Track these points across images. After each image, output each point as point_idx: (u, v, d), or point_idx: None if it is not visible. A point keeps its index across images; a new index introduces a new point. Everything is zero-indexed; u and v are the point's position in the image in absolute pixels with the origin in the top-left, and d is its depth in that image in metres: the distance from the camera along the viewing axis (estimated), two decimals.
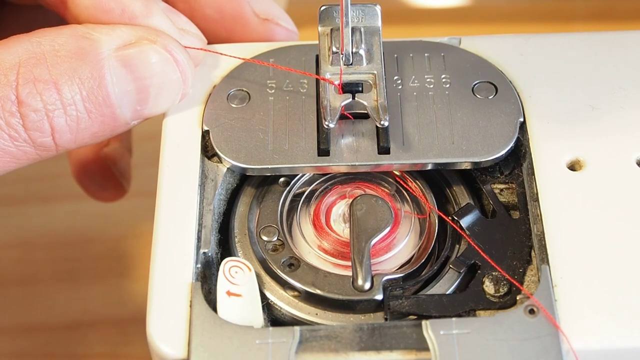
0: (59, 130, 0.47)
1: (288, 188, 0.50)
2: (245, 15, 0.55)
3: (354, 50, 0.50)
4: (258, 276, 0.47)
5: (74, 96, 0.46)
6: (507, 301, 0.45)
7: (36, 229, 0.71)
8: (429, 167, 0.49)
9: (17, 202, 0.72)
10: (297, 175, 0.50)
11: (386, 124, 0.48)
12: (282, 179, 0.50)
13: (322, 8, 0.51)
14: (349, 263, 0.47)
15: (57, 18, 0.52)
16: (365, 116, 0.50)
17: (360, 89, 0.49)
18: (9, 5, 0.60)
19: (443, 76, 0.51)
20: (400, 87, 0.51)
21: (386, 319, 0.45)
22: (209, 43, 0.53)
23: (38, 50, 0.46)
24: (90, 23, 0.48)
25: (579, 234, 0.46)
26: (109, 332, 0.66)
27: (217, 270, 0.46)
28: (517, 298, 0.45)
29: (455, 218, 0.48)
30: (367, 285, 0.46)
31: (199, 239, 0.47)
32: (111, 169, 0.63)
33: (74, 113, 0.46)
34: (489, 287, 0.46)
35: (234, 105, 0.51)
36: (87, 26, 0.48)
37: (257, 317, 0.45)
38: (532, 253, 0.47)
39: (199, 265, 0.46)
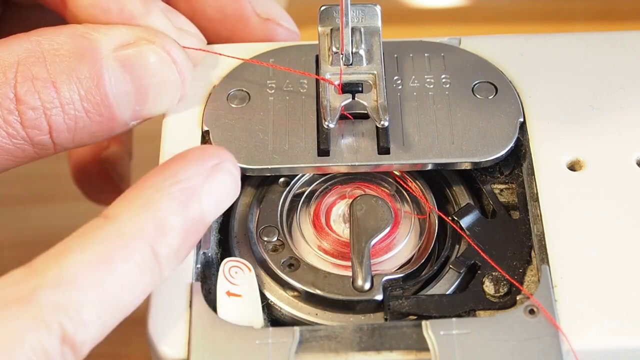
0: (56, 129, 0.47)
1: (288, 188, 0.50)
2: (246, 15, 0.55)
3: (354, 50, 0.50)
4: (258, 276, 0.46)
5: (72, 95, 0.46)
6: (507, 301, 0.45)
7: (36, 229, 0.71)
8: (429, 167, 0.49)
9: (17, 202, 0.72)
10: (297, 175, 0.50)
11: (386, 124, 0.48)
12: (282, 179, 0.50)
13: (322, 8, 0.51)
14: (349, 263, 0.47)
15: (58, 17, 0.52)
16: (365, 116, 0.50)
17: (360, 89, 0.49)
18: (11, 5, 0.60)
19: (443, 76, 0.51)
20: (400, 87, 0.51)
21: (386, 319, 0.45)
22: (210, 42, 0.53)
23: (37, 49, 0.46)
24: (89, 22, 0.49)
25: (579, 234, 0.46)
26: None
27: (217, 270, 0.46)
28: (517, 298, 0.45)
29: (455, 218, 0.48)
30: (367, 286, 0.46)
31: None
32: (110, 172, 0.63)
33: (72, 112, 0.46)
34: (489, 287, 0.46)
35: (234, 106, 0.51)
36: (86, 26, 0.48)
37: (257, 317, 0.45)
38: (532, 253, 0.47)
39: (199, 265, 0.46)
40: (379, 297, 0.46)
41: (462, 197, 0.50)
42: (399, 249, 0.48)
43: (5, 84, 0.46)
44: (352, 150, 0.49)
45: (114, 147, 0.63)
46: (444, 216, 0.49)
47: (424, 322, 0.43)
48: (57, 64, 0.46)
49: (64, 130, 0.47)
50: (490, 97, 0.51)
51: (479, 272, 0.46)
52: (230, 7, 0.54)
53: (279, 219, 0.49)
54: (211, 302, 0.45)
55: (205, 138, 0.50)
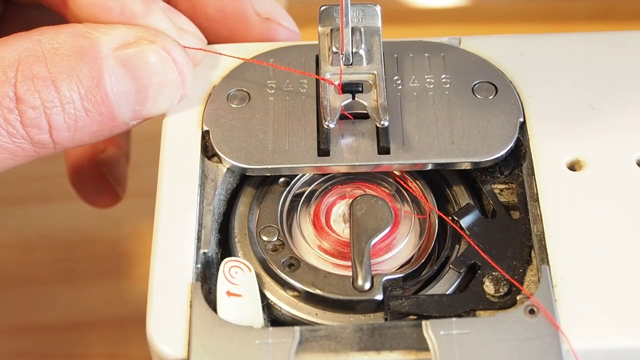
0: (56, 128, 0.47)
1: (288, 188, 0.50)
2: (246, 15, 0.55)
3: (354, 50, 0.50)
4: (258, 276, 0.46)
5: (72, 94, 0.46)
6: (507, 301, 0.45)
7: (36, 229, 0.71)
8: (429, 167, 0.49)
9: (17, 202, 0.72)
10: (297, 175, 0.50)
11: (386, 124, 0.48)
12: (282, 179, 0.50)
13: (322, 8, 0.51)
14: (349, 263, 0.47)
15: (58, 17, 0.52)
16: (365, 116, 0.50)
17: (360, 89, 0.49)
18: (11, 4, 0.60)
19: (443, 76, 0.51)
20: (400, 87, 0.51)
21: (386, 319, 0.45)
22: (210, 42, 0.53)
23: (37, 48, 0.46)
24: (90, 22, 0.49)
25: (579, 234, 0.46)
26: (109, 332, 0.66)
27: (217, 270, 0.46)
28: (517, 298, 0.45)
29: (455, 218, 0.48)
30: (367, 286, 0.46)
31: (199, 239, 0.47)
32: (106, 175, 0.63)
33: (72, 111, 0.47)
34: (489, 287, 0.46)
35: (234, 105, 0.51)
36: (86, 25, 0.48)
37: (257, 317, 0.45)
38: (532, 253, 0.47)
39: (199, 265, 0.46)
40: (379, 297, 0.46)
41: (462, 197, 0.50)
42: (399, 249, 0.48)
43: (5, 82, 0.46)
44: (352, 150, 0.49)
45: (111, 150, 0.63)
46: (444, 216, 0.49)
47: (424, 322, 0.43)
48: (58, 63, 0.46)
49: (64, 130, 0.47)
50: (490, 97, 0.51)
51: (479, 272, 0.46)
52: (231, 7, 0.54)
53: (279, 219, 0.49)
54: (211, 302, 0.45)
55: (205, 138, 0.50)
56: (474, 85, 0.51)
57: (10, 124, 0.46)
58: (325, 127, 0.48)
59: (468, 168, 0.49)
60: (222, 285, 0.45)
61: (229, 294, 0.45)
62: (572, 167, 0.48)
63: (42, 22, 0.50)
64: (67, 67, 0.46)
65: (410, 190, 0.50)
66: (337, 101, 0.49)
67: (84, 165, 0.63)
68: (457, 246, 0.48)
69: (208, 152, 0.50)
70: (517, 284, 0.46)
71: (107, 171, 0.63)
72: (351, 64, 0.50)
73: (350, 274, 0.46)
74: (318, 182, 0.51)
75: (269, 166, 0.49)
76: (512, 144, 0.49)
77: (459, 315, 0.45)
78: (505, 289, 0.46)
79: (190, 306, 0.44)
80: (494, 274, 0.46)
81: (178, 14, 0.52)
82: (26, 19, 0.59)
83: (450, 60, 0.52)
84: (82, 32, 0.47)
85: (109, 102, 0.47)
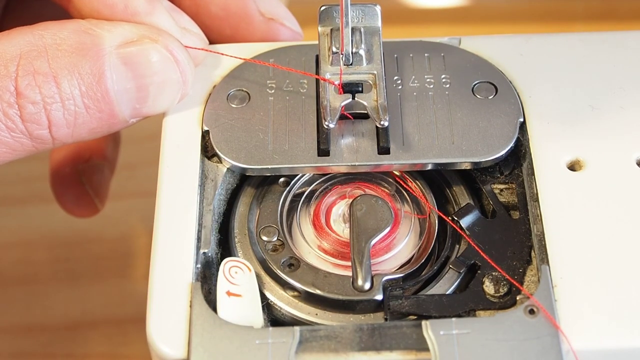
0: (56, 124, 0.47)
1: (288, 188, 0.50)
2: (250, 14, 0.55)
3: (354, 50, 0.50)
4: (258, 276, 0.47)
5: (72, 91, 0.46)
6: (507, 301, 0.45)
7: (36, 229, 0.71)
8: (429, 167, 0.49)
9: (17, 202, 0.72)
10: (297, 175, 0.50)
11: (386, 124, 0.48)
12: (282, 179, 0.50)
13: (322, 8, 0.51)
14: (349, 263, 0.47)
15: (61, 11, 0.52)
16: (365, 116, 0.50)
17: (360, 89, 0.49)
18: None
19: (443, 76, 0.51)
20: (400, 87, 0.51)
21: (386, 319, 0.45)
22: (213, 41, 0.53)
23: (40, 43, 0.46)
24: (93, 17, 0.49)
25: (579, 234, 0.46)
26: (109, 332, 0.66)
27: (217, 270, 0.46)
28: (517, 298, 0.45)
29: (455, 218, 0.48)
30: (367, 286, 0.46)
31: (199, 239, 0.47)
32: (84, 185, 0.62)
33: (72, 108, 0.47)
34: (489, 287, 0.46)
35: (234, 105, 0.51)
36: (90, 22, 0.48)
37: (257, 317, 0.45)
38: (532, 253, 0.47)
39: (199, 265, 0.46)
40: (379, 297, 0.46)
41: (462, 197, 0.50)
42: (399, 249, 0.48)
43: (6, 77, 0.46)
44: (352, 150, 0.49)
45: (95, 160, 0.63)
46: (444, 216, 0.49)
47: (424, 322, 0.43)
48: (59, 58, 0.46)
49: (63, 126, 0.47)
50: (490, 97, 0.51)
51: (479, 272, 0.46)
52: (234, 6, 0.54)
53: (279, 219, 0.49)
54: (211, 302, 0.45)
55: (205, 138, 0.50)
56: (474, 85, 0.51)
57: (9, 119, 0.46)
58: (325, 127, 0.48)
59: (468, 168, 0.49)
60: (222, 285, 0.45)
61: (229, 294, 0.45)
62: (572, 167, 0.48)
63: (45, 15, 0.50)
64: (69, 63, 0.46)
65: (410, 190, 0.50)
66: (337, 101, 0.49)
67: (65, 171, 0.63)
68: (457, 246, 0.48)
69: (208, 152, 0.50)
70: (517, 284, 0.46)
71: (87, 181, 0.62)
72: (351, 64, 0.50)
73: (350, 274, 0.46)
74: (318, 182, 0.51)
75: (269, 166, 0.49)
76: (512, 144, 0.49)
77: (459, 315, 0.45)
78: (505, 289, 0.46)
79: (190, 306, 0.44)
80: (494, 274, 0.46)
81: (181, 13, 0.52)
82: (29, 12, 0.59)
83: (450, 60, 0.52)
84: (85, 29, 0.47)
85: (109, 100, 0.47)
